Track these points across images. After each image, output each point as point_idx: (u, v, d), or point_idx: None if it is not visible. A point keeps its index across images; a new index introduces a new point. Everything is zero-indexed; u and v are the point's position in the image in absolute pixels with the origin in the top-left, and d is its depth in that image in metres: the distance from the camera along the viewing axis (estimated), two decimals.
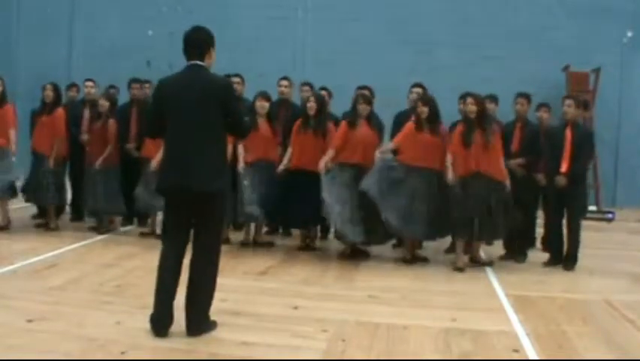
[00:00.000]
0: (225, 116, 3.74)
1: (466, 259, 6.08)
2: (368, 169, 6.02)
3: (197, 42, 3.75)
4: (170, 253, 3.73)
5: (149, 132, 4.36)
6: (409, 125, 6.11)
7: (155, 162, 6.22)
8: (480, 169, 5.83)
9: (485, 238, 6.15)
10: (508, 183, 5.84)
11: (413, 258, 6.20)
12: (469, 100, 5.95)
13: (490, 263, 6.16)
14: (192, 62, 3.74)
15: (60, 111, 7.03)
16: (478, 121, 5.89)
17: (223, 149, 3.82)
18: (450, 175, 5.88)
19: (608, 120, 10.91)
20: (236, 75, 7.32)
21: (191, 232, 3.81)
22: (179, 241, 3.76)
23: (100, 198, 6.79)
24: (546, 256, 6.43)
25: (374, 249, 6.48)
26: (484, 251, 6.56)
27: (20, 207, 7.54)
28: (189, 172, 3.62)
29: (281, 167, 6.41)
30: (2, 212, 6.98)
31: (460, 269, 5.90)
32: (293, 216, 6.37)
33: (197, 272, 3.75)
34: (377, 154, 6.05)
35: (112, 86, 7.95)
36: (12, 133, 6.87)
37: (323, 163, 6.07)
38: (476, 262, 6.11)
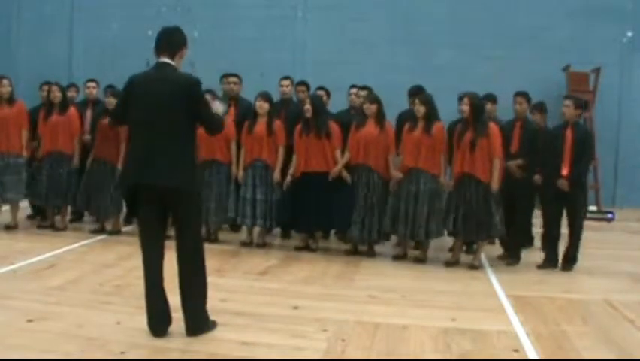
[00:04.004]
0: (194, 114, 3.74)
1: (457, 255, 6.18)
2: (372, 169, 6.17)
3: (171, 40, 3.78)
4: (149, 253, 3.74)
5: (114, 116, 4.41)
6: (405, 128, 6.20)
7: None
8: (465, 169, 5.87)
9: (469, 237, 6.16)
10: (494, 185, 5.82)
11: (405, 255, 6.29)
12: (464, 100, 5.97)
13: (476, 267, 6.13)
14: (161, 60, 3.75)
15: (74, 110, 7.06)
16: (470, 121, 5.91)
17: (189, 147, 3.78)
18: (442, 178, 6.03)
19: (608, 120, 10.91)
20: (234, 75, 7.33)
21: (166, 229, 3.85)
22: (155, 240, 3.75)
23: (104, 198, 6.80)
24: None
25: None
26: (484, 251, 6.55)
27: (24, 206, 7.54)
28: (153, 168, 3.62)
29: (288, 179, 6.43)
30: (13, 213, 7.01)
31: (449, 263, 6.06)
32: (304, 220, 6.39)
33: (185, 273, 3.76)
34: (393, 176, 6.19)
35: (110, 86, 7.94)
36: (24, 134, 6.93)
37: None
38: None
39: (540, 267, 6.13)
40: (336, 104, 7.51)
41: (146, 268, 3.74)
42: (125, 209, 7.02)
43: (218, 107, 4.03)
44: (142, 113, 3.69)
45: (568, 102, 6.12)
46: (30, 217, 7.67)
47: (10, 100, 6.91)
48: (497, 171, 5.83)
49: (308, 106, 6.35)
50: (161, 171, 3.62)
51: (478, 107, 5.94)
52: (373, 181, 6.20)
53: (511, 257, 6.33)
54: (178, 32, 3.82)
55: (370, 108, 6.25)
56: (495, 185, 5.82)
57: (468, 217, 5.88)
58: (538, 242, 6.88)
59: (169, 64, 3.75)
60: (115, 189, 6.78)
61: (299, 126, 6.46)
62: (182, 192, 3.70)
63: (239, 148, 6.64)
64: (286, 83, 7.39)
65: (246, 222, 6.58)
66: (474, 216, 5.85)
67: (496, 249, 6.72)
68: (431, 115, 6.05)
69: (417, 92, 6.56)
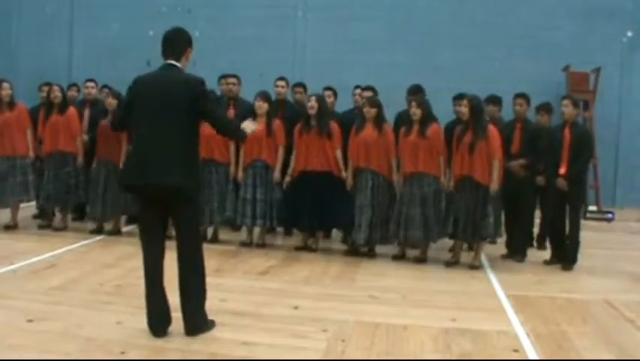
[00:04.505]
0: (199, 116, 3.75)
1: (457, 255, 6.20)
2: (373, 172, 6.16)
3: (175, 42, 3.80)
4: (149, 253, 3.75)
5: (117, 124, 4.36)
6: (401, 132, 6.22)
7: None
8: (464, 172, 5.87)
9: (464, 239, 6.16)
10: (494, 186, 5.82)
11: (404, 255, 6.31)
12: (463, 102, 5.97)
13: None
14: (168, 61, 3.78)
15: (73, 110, 7.07)
16: (469, 123, 5.91)
17: (192, 147, 3.79)
18: (442, 179, 6.03)
19: (608, 120, 10.91)
20: (233, 76, 7.32)
21: (166, 229, 3.86)
22: (155, 239, 3.76)
23: (107, 199, 6.80)
24: (543, 254, 6.48)
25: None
26: (484, 251, 6.55)
27: (28, 206, 7.54)
28: (155, 168, 3.63)
29: (287, 178, 6.43)
30: (13, 213, 7.02)
31: (449, 263, 6.08)
32: (305, 219, 6.39)
33: (184, 273, 3.76)
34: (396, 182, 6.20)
35: (106, 86, 7.93)
36: (29, 134, 6.96)
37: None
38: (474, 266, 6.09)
39: (548, 262, 6.17)
40: (336, 104, 7.51)
41: (146, 267, 3.75)
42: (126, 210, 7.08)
43: (247, 125, 3.99)
44: (146, 114, 3.70)
45: (566, 102, 6.17)
46: (36, 217, 7.67)
47: (11, 103, 6.93)
48: (497, 173, 5.83)
49: (313, 103, 6.33)
50: (164, 171, 3.62)
51: (478, 109, 5.94)
52: (379, 183, 6.19)
53: (515, 255, 6.36)
54: (182, 33, 3.84)
55: (370, 112, 6.25)
56: (495, 186, 5.82)
57: (466, 220, 5.88)
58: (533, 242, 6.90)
59: (174, 65, 3.77)
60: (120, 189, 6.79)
61: (299, 125, 6.45)
62: (185, 192, 3.71)
63: (238, 149, 6.63)
64: (282, 83, 7.39)
65: (246, 222, 6.58)
66: (471, 219, 5.86)
67: (497, 249, 6.72)
68: (427, 118, 6.05)
69: (416, 91, 6.56)
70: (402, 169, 6.16)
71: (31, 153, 7.02)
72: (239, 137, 4.20)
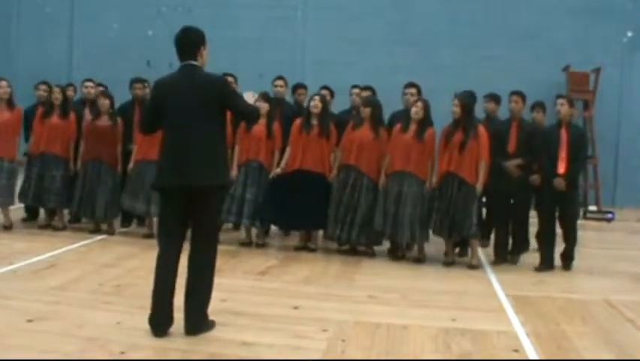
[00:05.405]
0: (224, 113, 3.78)
1: (454, 255, 6.22)
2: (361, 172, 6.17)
3: (188, 42, 3.80)
4: (166, 252, 3.76)
5: (145, 128, 4.28)
6: (397, 128, 6.19)
7: (132, 165, 6.64)
8: (450, 168, 5.89)
9: (441, 234, 6.12)
10: (479, 186, 5.86)
11: (403, 256, 6.30)
12: (454, 101, 5.99)
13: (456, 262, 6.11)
14: (186, 62, 3.79)
15: (73, 116, 7.02)
16: (460, 121, 5.93)
17: (222, 146, 3.86)
18: (427, 184, 6.05)
19: (608, 120, 10.92)
20: (230, 75, 7.29)
21: (187, 230, 3.85)
22: (175, 239, 3.77)
23: (100, 200, 6.77)
24: None
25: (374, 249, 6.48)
26: (483, 251, 6.56)
27: (20, 207, 7.54)
28: (188, 169, 3.66)
29: (278, 170, 6.38)
30: (5, 214, 6.99)
31: (446, 263, 6.08)
32: (295, 218, 6.36)
33: (195, 270, 3.77)
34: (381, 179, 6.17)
35: (100, 85, 7.90)
36: (16, 140, 6.92)
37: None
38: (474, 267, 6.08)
39: (537, 269, 6.08)
40: (335, 104, 7.51)
41: (159, 266, 3.74)
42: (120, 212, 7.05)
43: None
44: (175, 116, 3.72)
45: (562, 101, 6.14)
46: (25, 220, 7.64)
47: (10, 102, 6.89)
48: (483, 174, 5.88)
49: (317, 103, 6.33)
50: (197, 173, 3.66)
51: (469, 107, 5.98)
52: (362, 183, 6.18)
53: (512, 255, 6.34)
54: (193, 32, 3.84)
55: (365, 111, 6.26)
56: (480, 187, 5.87)
57: (445, 215, 5.91)
58: (534, 242, 6.88)
59: (193, 64, 3.78)
60: (116, 190, 6.77)
61: (298, 123, 6.42)
62: (214, 189, 3.75)
63: (232, 148, 6.58)
64: (280, 83, 7.38)
65: (230, 218, 6.54)
66: (450, 216, 5.89)
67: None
68: (426, 121, 6.07)
69: (415, 86, 6.60)
70: (388, 167, 6.13)
71: (17, 158, 6.96)
72: (256, 116, 4.19)
